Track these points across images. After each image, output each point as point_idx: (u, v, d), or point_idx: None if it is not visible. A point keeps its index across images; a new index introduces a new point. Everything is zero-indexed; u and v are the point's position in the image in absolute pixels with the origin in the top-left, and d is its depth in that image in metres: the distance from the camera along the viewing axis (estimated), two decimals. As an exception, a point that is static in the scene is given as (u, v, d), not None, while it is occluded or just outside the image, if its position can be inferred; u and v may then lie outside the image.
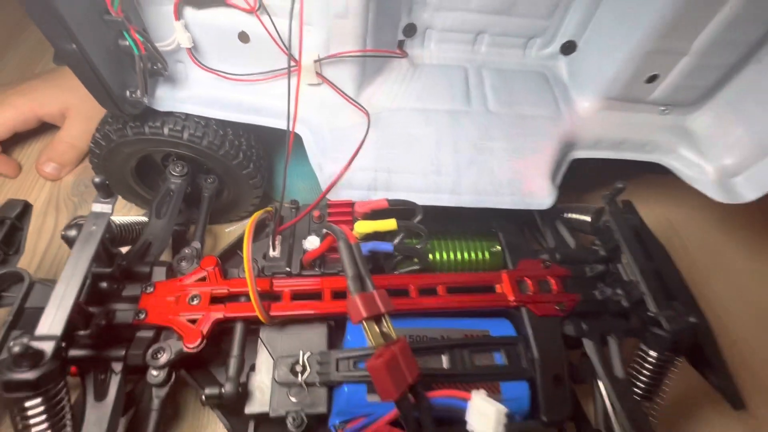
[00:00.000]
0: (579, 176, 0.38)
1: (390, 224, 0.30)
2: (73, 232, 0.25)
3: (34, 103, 0.45)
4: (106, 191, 0.24)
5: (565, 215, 0.37)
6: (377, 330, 0.21)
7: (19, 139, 0.48)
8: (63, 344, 0.22)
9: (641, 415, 0.27)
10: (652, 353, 0.27)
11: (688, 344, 0.27)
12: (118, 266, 0.27)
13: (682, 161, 0.37)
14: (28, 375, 0.21)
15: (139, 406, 0.29)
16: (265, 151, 0.40)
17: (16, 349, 0.19)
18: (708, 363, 0.30)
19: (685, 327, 0.24)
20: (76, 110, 0.47)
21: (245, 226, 0.28)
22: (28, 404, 0.21)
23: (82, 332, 0.23)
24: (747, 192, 0.33)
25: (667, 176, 0.38)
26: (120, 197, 0.41)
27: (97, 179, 0.24)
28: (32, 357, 0.21)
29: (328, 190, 0.30)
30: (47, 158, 0.46)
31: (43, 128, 0.48)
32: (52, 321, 0.21)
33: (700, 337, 0.31)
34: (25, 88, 0.46)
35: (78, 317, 0.23)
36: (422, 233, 0.30)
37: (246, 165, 0.37)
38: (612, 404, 0.29)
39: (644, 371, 0.28)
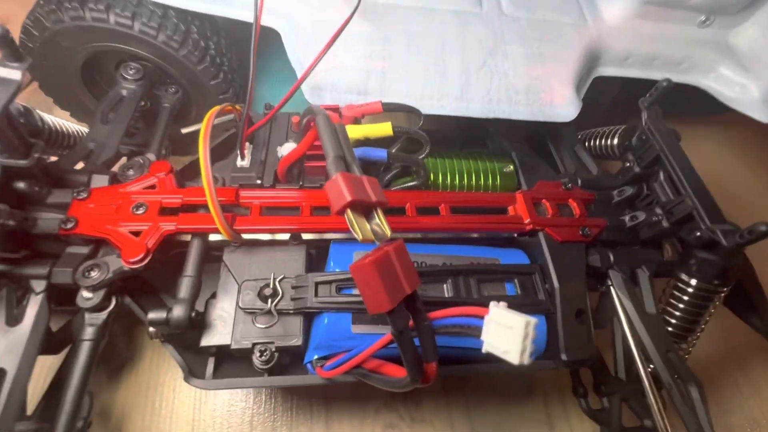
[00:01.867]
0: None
1: (384, 129, 0.24)
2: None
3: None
4: (14, 52, 0.19)
5: (586, 143, 0.32)
6: (366, 226, 0.16)
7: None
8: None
9: (677, 355, 0.23)
10: (695, 283, 0.23)
11: (739, 271, 0.23)
12: (38, 161, 0.21)
13: (723, 81, 0.32)
14: None
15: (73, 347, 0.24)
16: (241, 62, 0.34)
17: None
18: (749, 303, 0.26)
19: (744, 242, 0.19)
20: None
21: (197, 127, 0.22)
22: None
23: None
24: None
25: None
26: (69, 114, 0.35)
27: None
28: None
29: (303, 79, 0.24)
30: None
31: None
32: None
33: (745, 282, 0.26)
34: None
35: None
36: (423, 141, 0.25)
37: (215, 74, 0.31)
38: (638, 348, 0.24)
39: (682, 306, 0.24)
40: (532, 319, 0.14)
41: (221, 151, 0.28)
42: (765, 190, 0.45)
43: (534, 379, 0.32)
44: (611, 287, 0.25)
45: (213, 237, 0.23)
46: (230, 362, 0.22)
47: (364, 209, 0.16)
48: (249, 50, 0.27)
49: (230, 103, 0.24)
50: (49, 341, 0.23)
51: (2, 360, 0.19)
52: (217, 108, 0.23)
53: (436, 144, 0.26)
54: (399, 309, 0.15)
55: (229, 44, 0.32)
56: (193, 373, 0.21)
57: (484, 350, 0.15)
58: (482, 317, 0.16)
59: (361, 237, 0.15)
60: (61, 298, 0.22)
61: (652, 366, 0.24)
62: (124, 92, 0.30)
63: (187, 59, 0.29)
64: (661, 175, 0.24)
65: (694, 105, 0.39)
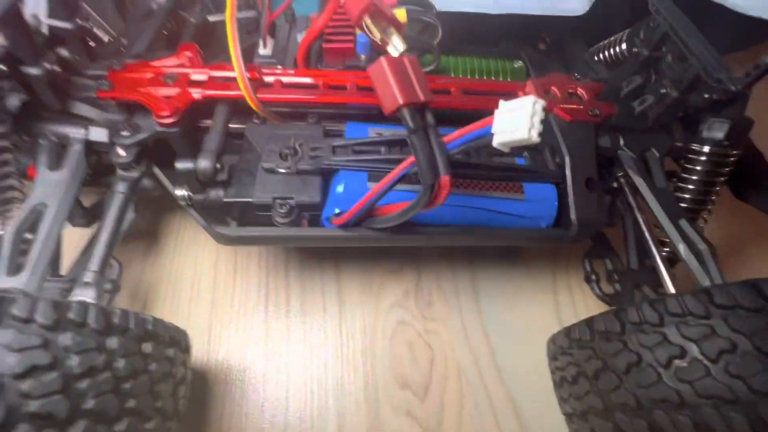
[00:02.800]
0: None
1: (399, 15, 0.26)
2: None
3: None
4: None
5: (596, 57, 0.33)
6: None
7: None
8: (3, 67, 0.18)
9: (690, 225, 0.23)
10: (706, 149, 0.23)
11: (745, 133, 0.23)
12: (81, 28, 0.23)
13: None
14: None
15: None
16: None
17: None
18: (757, 187, 0.26)
19: (752, 79, 0.20)
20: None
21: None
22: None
23: (30, 69, 0.20)
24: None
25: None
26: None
27: None
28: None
29: None
30: None
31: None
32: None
33: (747, 158, 0.27)
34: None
35: (24, 38, 0.19)
36: (435, 27, 0.26)
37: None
38: (649, 227, 0.25)
39: (694, 177, 0.24)
40: (539, 99, 0.15)
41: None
42: None
43: (543, 274, 0.32)
44: (622, 174, 0.26)
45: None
46: (250, 218, 0.23)
47: (380, 21, 0.17)
48: None
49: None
50: (82, 214, 0.25)
51: (44, 197, 0.20)
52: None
53: (445, 50, 0.27)
54: (413, 109, 0.16)
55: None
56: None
57: (495, 143, 0.16)
58: (490, 125, 0.16)
59: (378, 38, 0.16)
60: (95, 170, 0.24)
61: (665, 250, 0.25)
62: (154, 5, 0.32)
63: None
64: (669, 57, 0.25)
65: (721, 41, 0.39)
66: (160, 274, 0.29)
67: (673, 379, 0.16)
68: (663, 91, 0.24)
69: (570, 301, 0.31)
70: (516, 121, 0.15)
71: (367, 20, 0.16)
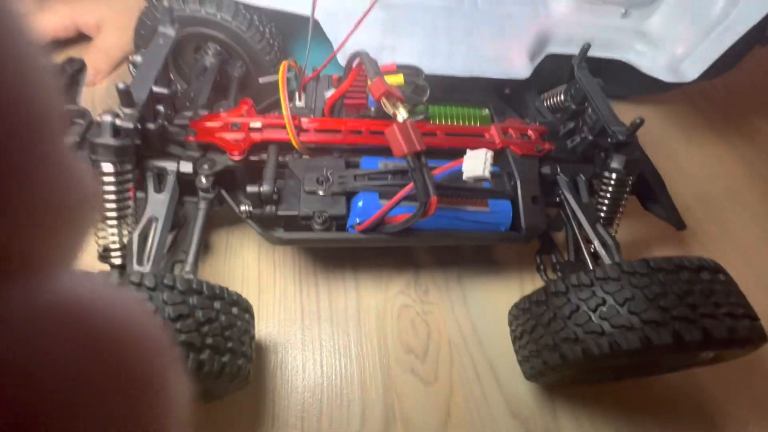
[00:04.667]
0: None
1: (397, 79, 0.36)
2: (138, 57, 0.30)
3: (73, 10, 0.50)
4: (171, 19, 0.30)
5: (545, 103, 0.44)
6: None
7: (57, 46, 0.52)
8: (138, 125, 0.27)
9: (603, 228, 0.33)
10: (612, 175, 0.34)
11: (638, 164, 0.33)
12: (174, 92, 0.32)
13: (640, 55, 0.44)
14: (112, 141, 0.26)
15: (181, 229, 0.34)
16: (285, 41, 0.45)
17: (121, 86, 0.24)
18: (655, 199, 0.37)
19: (630, 131, 0.31)
20: (111, 22, 0.51)
21: (274, 78, 0.33)
22: (104, 167, 0.27)
23: (150, 125, 0.29)
24: (690, 72, 0.40)
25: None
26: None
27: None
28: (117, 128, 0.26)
29: (340, 47, 0.36)
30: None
31: (80, 39, 0.53)
32: (136, 93, 0.26)
33: (650, 179, 0.37)
34: (64, -3, 0.51)
35: (149, 107, 0.28)
36: (425, 88, 0.36)
37: (269, 51, 0.42)
38: (579, 229, 0.35)
39: (607, 195, 0.34)
40: (489, 151, 0.25)
41: (277, 105, 0.40)
42: (693, 149, 0.57)
43: (511, 267, 0.42)
44: (561, 192, 0.36)
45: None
46: (294, 227, 0.32)
47: (392, 99, 0.26)
48: (289, 34, 0.39)
49: (293, 60, 0.35)
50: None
51: (155, 212, 0.29)
52: (286, 62, 0.34)
53: (432, 99, 0.38)
54: (414, 156, 0.26)
55: (277, 30, 0.44)
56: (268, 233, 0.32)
57: (464, 177, 0.26)
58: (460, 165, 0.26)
59: (391, 111, 0.26)
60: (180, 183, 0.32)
61: (592, 246, 0.35)
62: (207, 64, 0.41)
63: (251, 39, 0.41)
64: (589, 110, 0.36)
65: (639, 85, 0.51)
66: (218, 271, 0.38)
67: (598, 318, 0.25)
68: (583, 135, 0.35)
69: (532, 288, 0.41)
70: (476, 163, 0.25)
71: (384, 99, 0.26)
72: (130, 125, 0.26)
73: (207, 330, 0.23)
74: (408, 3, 0.41)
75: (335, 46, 0.39)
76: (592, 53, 0.45)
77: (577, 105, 0.36)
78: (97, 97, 0.53)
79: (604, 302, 0.25)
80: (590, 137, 0.34)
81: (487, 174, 0.25)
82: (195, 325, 0.22)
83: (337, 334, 0.36)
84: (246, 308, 0.27)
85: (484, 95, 0.42)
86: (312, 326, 0.37)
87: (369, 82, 0.35)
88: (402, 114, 0.26)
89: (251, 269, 0.39)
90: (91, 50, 0.51)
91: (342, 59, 0.38)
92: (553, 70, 0.45)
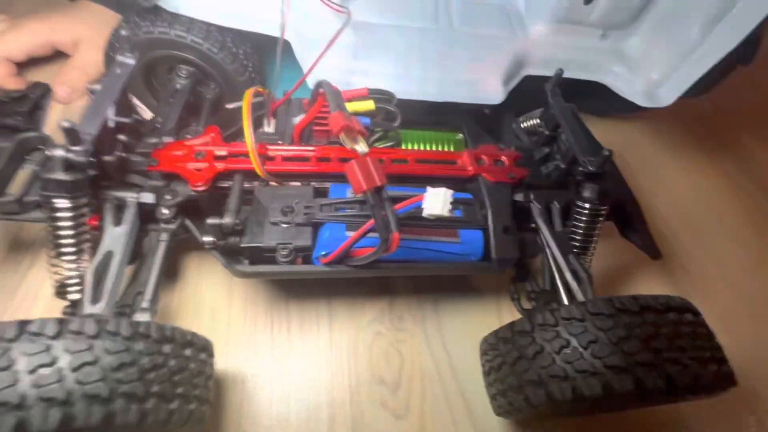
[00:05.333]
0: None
1: (368, 105, 0.35)
2: (96, 86, 0.30)
3: (49, 28, 0.50)
4: (129, 48, 0.29)
5: (522, 125, 0.43)
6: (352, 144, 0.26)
7: (34, 63, 0.52)
8: (92, 159, 0.26)
9: (576, 258, 0.33)
10: (585, 204, 0.33)
11: (612, 194, 0.33)
12: (136, 121, 0.31)
13: (617, 78, 0.43)
14: (63, 176, 0.25)
15: (144, 258, 0.33)
16: (260, 64, 0.45)
17: (65, 125, 0.24)
18: (632, 226, 0.36)
19: (600, 162, 0.30)
20: (88, 40, 0.51)
21: (239, 104, 0.33)
22: (57, 203, 0.26)
23: (106, 157, 0.28)
24: (666, 97, 0.40)
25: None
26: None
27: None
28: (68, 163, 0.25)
29: (309, 72, 0.35)
30: (60, 81, 0.50)
31: (57, 57, 0.53)
32: (89, 124, 0.26)
33: (627, 206, 0.37)
34: (41, 15, 0.50)
35: (105, 138, 0.27)
36: (396, 113, 0.36)
37: (242, 72, 0.42)
38: (552, 259, 0.34)
39: (581, 224, 0.34)
40: (450, 190, 0.24)
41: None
42: (678, 166, 0.57)
43: (488, 296, 0.41)
44: (535, 219, 0.35)
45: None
46: (258, 259, 0.31)
47: (351, 134, 0.26)
48: (265, 54, 0.38)
49: (260, 86, 0.35)
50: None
51: (112, 246, 0.28)
52: (252, 89, 0.34)
53: (405, 122, 0.37)
54: (373, 191, 0.25)
55: (251, 51, 0.43)
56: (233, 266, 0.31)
57: (424, 214, 0.25)
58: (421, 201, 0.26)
59: (349, 146, 0.25)
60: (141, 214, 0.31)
61: (565, 277, 0.34)
62: (178, 86, 0.40)
63: (223, 61, 0.40)
64: (563, 136, 0.35)
65: (621, 103, 0.50)
66: (186, 299, 0.37)
67: (561, 361, 0.24)
68: (557, 162, 0.34)
69: (510, 317, 0.40)
70: (436, 201, 0.24)
71: (342, 135, 0.25)
72: (83, 159, 0.25)
73: (153, 377, 0.22)
74: (381, 24, 0.41)
75: (305, 70, 0.38)
76: (569, 75, 0.44)
77: (550, 131, 0.35)
78: (75, 115, 0.52)
79: (568, 344, 0.24)
80: (563, 165, 0.33)
81: (446, 214, 0.24)
82: (139, 373, 0.21)
83: (308, 365, 0.35)
84: (203, 347, 0.27)
85: (460, 118, 0.41)
86: (282, 357, 0.36)
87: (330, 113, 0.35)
88: (362, 149, 0.25)
89: (222, 298, 0.38)
90: (68, 68, 0.51)
91: (312, 83, 0.38)
92: (534, 90, 0.44)
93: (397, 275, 0.40)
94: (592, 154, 0.31)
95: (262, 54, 0.45)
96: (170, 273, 0.38)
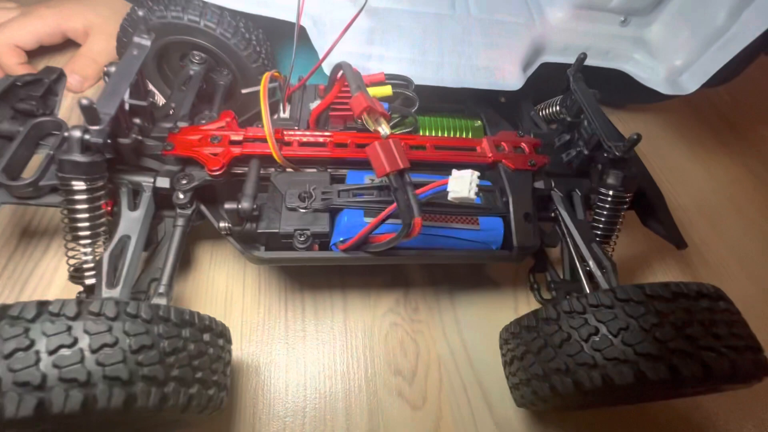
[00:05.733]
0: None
1: (386, 90, 0.34)
2: (112, 68, 0.29)
3: (59, 16, 0.49)
4: (145, 28, 0.29)
5: (540, 113, 0.42)
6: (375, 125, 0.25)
7: (44, 52, 0.51)
8: (108, 140, 0.26)
9: (598, 245, 0.32)
10: (609, 192, 0.32)
11: (636, 181, 0.32)
12: (151, 104, 0.31)
13: (638, 65, 0.42)
14: (81, 158, 0.25)
15: (159, 245, 0.33)
16: (273, 49, 0.44)
17: (84, 102, 0.23)
18: (655, 215, 0.35)
19: (628, 147, 0.29)
20: (98, 28, 0.50)
21: (257, 89, 0.32)
22: (74, 185, 0.25)
23: (122, 140, 0.27)
24: (690, 85, 0.39)
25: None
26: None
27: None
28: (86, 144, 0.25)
29: (326, 56, 0.35)
30: (71, 70, 0.50)
31: (67, 45, 0.52)
32: (106, 106, 0.25)
33: (650, 195, 0.36)
34: (51, 3, 0.50)
35: (122, 120, 0.27)
36: (414, 99, 0.35)
37: (255, 58, 0.41)
38: (574, 248, 0.33)
39: (604, 212, 0.33)
40: (475, 172, 0.23)
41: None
42: (697, 159, 0.56)
43: (505, 286, 0.40)
44: (555, 208, 0.34)
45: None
46: (275, 245, 0.31)
47: (374, 115, 0.25)
48: (279, 40, 0.37)
49: (276, 71, 0.34)
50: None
51: (128, 230, 0.28)
52: (268, 73, 0.33)
53: (422, 108, 0.36)
54: (396, 174, 0.24)
55: (265, 36, 0.43)
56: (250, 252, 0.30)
57: (449, 197, 0.24)
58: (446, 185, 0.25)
59: (372, 128, 0.24)
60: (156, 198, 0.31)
61: (588, 266, 0.33)
62: (192, 72, 0.40)
63: (237, 46, 0.40)
64: (585, 122, 0.34)
65: (639, 94, 0.49)
66: (200, 287, 0.37)
67: (590, 349, 0.23)
68: (579, 149, 0.33)
69: (527, 308, 0.40)
70: (462, 184, 0.23)
71: (365, 115, 0.25)
72: (100, 140, 0.25)
73: (172, 361, 0.21)
74: (397, 9, 0.40)
75: (321, 55, 0.38)
76: (588, 62, 0.43)
77: (572, 117, 0.35)
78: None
79: (597, 331, 0.23)
80: (586, 151, 0.32)
81: (472, 196, 0.23)
82: (159, 356, 0.21)
83: (323, 353, 0.35)
84: (220, 333, 0.26)
85: (477, 104, 0.40)
86: (296, 345, 0.35)
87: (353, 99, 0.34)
88: (384, 131, 0.25)
89: (235, 285, 0.37)
90: (79, 57, 0.50)
91: (328, 68, 0.37)
92: (550, 77, 0.43)
93: (416, 263, 0.39)
94: (617, 140, 0.30)
95: (274, 40, 0.45)
96: (183, 261, 0.38)
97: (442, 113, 0.39)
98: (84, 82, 0.50)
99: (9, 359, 0.18)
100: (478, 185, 0.23)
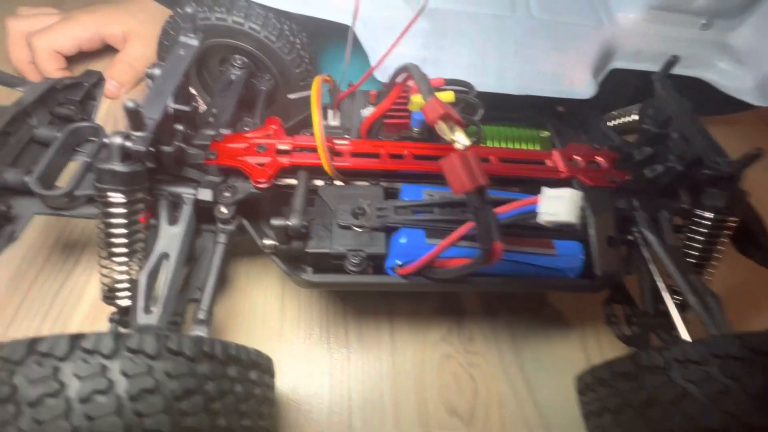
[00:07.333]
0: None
1: (447, 96, 0.31)
2: (156, 70, 0.27)
3: (99, 21, 0.48)
4: (194, 27, 0.26)
5: (609, 123, 0.38)
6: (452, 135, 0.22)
7: (83, 58, 0.50)
8: (151, 149, 0.23)
9: (698, 278, 0.27)
10: (708, 214, 0.28)
11: (742, 204, 0.27)
12: (194, 109, 0.28)
13: (722, 73, 0.38)
14: (121, 167, 0.22)
15: (196, 262, 0.30)
16: (314, 54, 0.42)
17: (129, 105, 0.21)
18: (756, 242, 0.31)
19: (742, 165, 0.25)
20: (136, 34, 0.49)
21: (305, 94, 0.29)
22: (112, 197, 0.23)
23: (165, 148, 0.25)
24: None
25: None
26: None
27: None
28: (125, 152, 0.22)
29: (381, 60, 0.32)
30: (108, 76, 0.48)
31: (104, 50, 0.51)
32: (151, 110, 0.23)
33: (747, 220, 0.31)
34: (91, 8, 0.49)
35: (165, 126, 0.24)
36: (478, 106, 0.31)
37: (299, 63, 0.39)
38: (663, 277, 0.29)
39: (700, 237, 0.28)
40: (577, 191, 0.19)
41: (307, 123, 0.36)
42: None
43: (573, 320, 0.36)
44: (637, 231, 0.30)
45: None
46: (324, 266, 0.28)
47: (449, 122, 0.22)
48: (319, 43, 0.35)
49: (328, 74, 0.31)
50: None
51: (168, 247, 0.25)
52: (320, 77, 0.30)
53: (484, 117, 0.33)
54: (476, 191, 0.21)
55: (308, 40, 0.40)
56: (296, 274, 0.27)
57: (540, 220, 0.21)
58: (536, 204, 0.21)
59: (448, 138, 0.21)
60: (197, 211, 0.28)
61: (676, 297, 0.29)
62: (233, 77, 0.38)
63: (281, 50, 0.37)
64: (674, 134, 0.30)
65: (707, 105, 0.45)
66: (233, 310, 0.34)
67: (720, 411, 0.18)
68: (670, 164, 0.29)
69: (595, 341, 0.35)
70: (560, 206, 0.20)
71: (441, 123, 0.21)
72: (142, 148, 0.22)
73: (218, 407, 0.18)
74: (453, 10, 0.37)
75: (372, 59, 0.35)
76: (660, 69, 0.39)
77: (658, 128, 0.30)
78: (120, 111, 0.51)
79: (726, 389, 0.19)
80: (680, 167, 0.28)
81: (575, 221, 0.19)
82: (204, 403, 0.18)
83: (370, 387, 0.31)
84: (267, 368, 0.23)
85: (536, 113, 0.37)
86: (340, 377, 0.32)
87: (413, 100, 0.31)
88: (462, 141, 0.21)
89: (272, 307, 0.34)
90: (117, 62, 0.49)
91: (380, 74, 0.34)
92: (613, 85, 0.39)
93: (484, 290, 0.36)
94: (723, 155, 0.26)
95: (313, 45, 0.42)
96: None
97: (504, 122, 0.35)
98: (121, 88, 0.49)
99: (36, 408, 0.15)
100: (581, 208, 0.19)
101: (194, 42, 0.27)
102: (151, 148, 0.23)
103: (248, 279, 0.36)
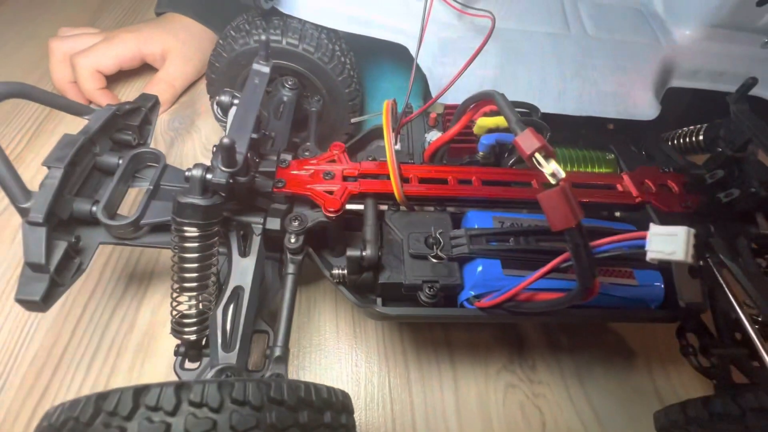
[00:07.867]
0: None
1: (500, 121, 0.30)
2: (226, 98, 0.26)
3: (139, 40, 0.48)
4: (266, 55, 0.26)
5: (669, 143, 0.37)
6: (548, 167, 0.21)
7: (120, 76, 0.50)
8: (231, 180, 0.23)
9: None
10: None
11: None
12: (263, 136, 0.28)
13: (785, 91, 0.37)
14: (201, 201, 0.22)
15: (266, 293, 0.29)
16: (360, 74, 0.41)
17: (226, 142, 0.20)
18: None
19: None
20: (175, 52, 0.49)
21: (367, 117, 0.29)
22: (189, 231, 0.22)
23: (241, 178, 0.24)
24: None
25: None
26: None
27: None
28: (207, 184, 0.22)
29: (447, 88, 0.31)
30: (147, 94, 0.48)
31: (144, 70, 0.51)
32: (238, 144, 0.22)
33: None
34: (131, 27, 0.49)
35: (246, 157, 0.24)
36: (544, 129, 0.31)
37: (349, 83, 0.38)
38: (743, 308, 0.28)
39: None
40: (690, 228, 0.19)
41: (358, 146, 0.35)
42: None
43: (636, 346, 0.35)
44: (712, 258, 0.29)
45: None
46: (393, 297, 0.27)
47: (545, 153, 0.21)
48: (366, 64, 0.34)
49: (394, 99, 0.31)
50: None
51: (241, 280, 0.24)
52: (390, 100, 0.30)
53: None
54: (576, 227, 0.20)
55: (356, 61, 0.40)
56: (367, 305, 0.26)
57: (649, 258, 0.20)
58: (643, 238, 0.20)
59: (548, 172, 0.20)
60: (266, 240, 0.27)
61: (756, 327, 0.28)
62: (285, 98, 0.37)
63: (332, 71, 0.37)
64: (753, 156, 0.29)
65: None
66: (304, 341, 0.33)
67: None
68: (752, 189, 0.28)
69: (661, 370, 0.34)
70: (673, 245, 0.19)
71: (538, 155, 0.21)
72: (223, 181, 0.22)
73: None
74: (510, 29, 0.36)
75: (430, 79, 0.34)
76: (720, 87, 0.38)
77: (734, 151, 0.29)
78: (159, 128, 0.50)
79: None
80: (763, 193, 0.27)
81: (690, 261, 0.19)
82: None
83: (434, 423, 0.30)
84: (342, 406, 0.22)
85: (600, 134, 0.36)
86: (402, 411, 0.30)
87: (479, 123, 0.30)
88: (560, 174, 0.20)
89: (328, 334, 0.33)
90: (156, 81, 0.49)
91: (434, 91, 0.33)
92: (666, 104, 0.38)
93: (563, 322, 0.34)
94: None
95: (362, 62, 0.42)
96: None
97: (568, 144, 0.34)
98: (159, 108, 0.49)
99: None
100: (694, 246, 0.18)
101: (267, 69, 0.26)
102: (231, 180, 0.23)
103: (298, 306, 0.35)
